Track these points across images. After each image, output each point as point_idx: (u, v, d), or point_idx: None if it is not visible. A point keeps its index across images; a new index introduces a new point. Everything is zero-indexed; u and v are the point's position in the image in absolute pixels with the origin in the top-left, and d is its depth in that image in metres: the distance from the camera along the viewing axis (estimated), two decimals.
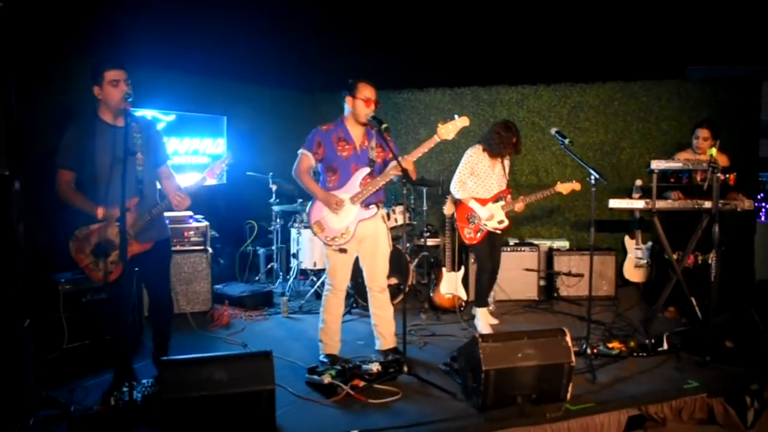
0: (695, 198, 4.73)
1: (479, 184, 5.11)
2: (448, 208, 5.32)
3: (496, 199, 5.13)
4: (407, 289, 5.73)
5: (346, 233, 4.15)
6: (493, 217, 5.10)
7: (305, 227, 6.08)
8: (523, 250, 6.15)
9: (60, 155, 3.53)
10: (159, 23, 5.73)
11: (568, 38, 7.54)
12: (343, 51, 7.46)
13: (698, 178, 4.83)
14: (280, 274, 6.58)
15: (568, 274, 6.21)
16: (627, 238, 6.32)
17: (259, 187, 6.55)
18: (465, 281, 5.68)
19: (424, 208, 6.25)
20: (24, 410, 2.95)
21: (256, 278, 6.82)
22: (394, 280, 5.57)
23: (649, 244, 6.11)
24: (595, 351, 4.42)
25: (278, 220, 6.44)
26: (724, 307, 4.58)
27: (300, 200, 6.26)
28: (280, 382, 3.52)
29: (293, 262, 6.33)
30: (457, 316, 5.49)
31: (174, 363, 3.27)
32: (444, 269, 5.62)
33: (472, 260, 5.75)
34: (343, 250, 4.19)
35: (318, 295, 5.97)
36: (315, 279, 6.25)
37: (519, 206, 5.15)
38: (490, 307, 5.48)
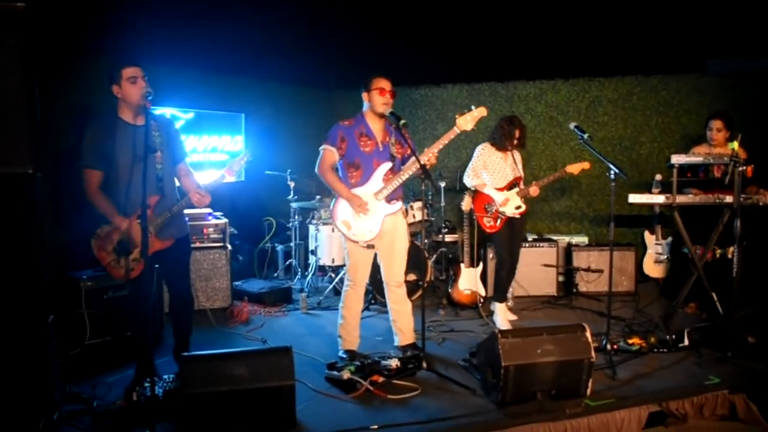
0: (715, 192, 4.68)
1: (493, 175, 5.18)
2: (466, 204, 5.32)
3: (509, 186, 5.17)
4: (426, 285, 5.72)
5: (373, 230, 4.16)
6: (509, 202, 5.13)
7: (323, 224, 6.10)
8: (542, 246, 6.11)
9: (86, 156, 3.55)
10: (176, 22, 5.77)
11: (586, 32, 7.46)
12: (360, 47, 7.45)
13: (716, 173, 4.75)
14: (299, 270, 6.60)
15: (588, 269, 6.16)
16: (647, 234, 6.26)
17: (277, 184, 6.57)
18: (483, 277, 5.67)
19: (442, 204, 6.24)
20: (48, 405, 2.99)
21: (275, 275, 6.84)
22: (412, 276, 5.58)
23: (669, 239, 6.06)
24: (615, 347, 4.39)
25: (296, 217, 6.45)
26: (745, 303, 4.54)
27: (318, 197, 6.28)
28: (300, 378, 3.53)
29: (311, 259, 6.34)
30: (479, 310, 5.47)
31: (195, 359, 3.30)
32: (462, 265, 5.60)
33: (491, 256, 5.73)
34: (371, 246, 4.21)
35: (336, 291, 6.00)
36: (333, 275, 6.27)
37: (534, 190, 5.19)
38: (509, 303, 5.47)
